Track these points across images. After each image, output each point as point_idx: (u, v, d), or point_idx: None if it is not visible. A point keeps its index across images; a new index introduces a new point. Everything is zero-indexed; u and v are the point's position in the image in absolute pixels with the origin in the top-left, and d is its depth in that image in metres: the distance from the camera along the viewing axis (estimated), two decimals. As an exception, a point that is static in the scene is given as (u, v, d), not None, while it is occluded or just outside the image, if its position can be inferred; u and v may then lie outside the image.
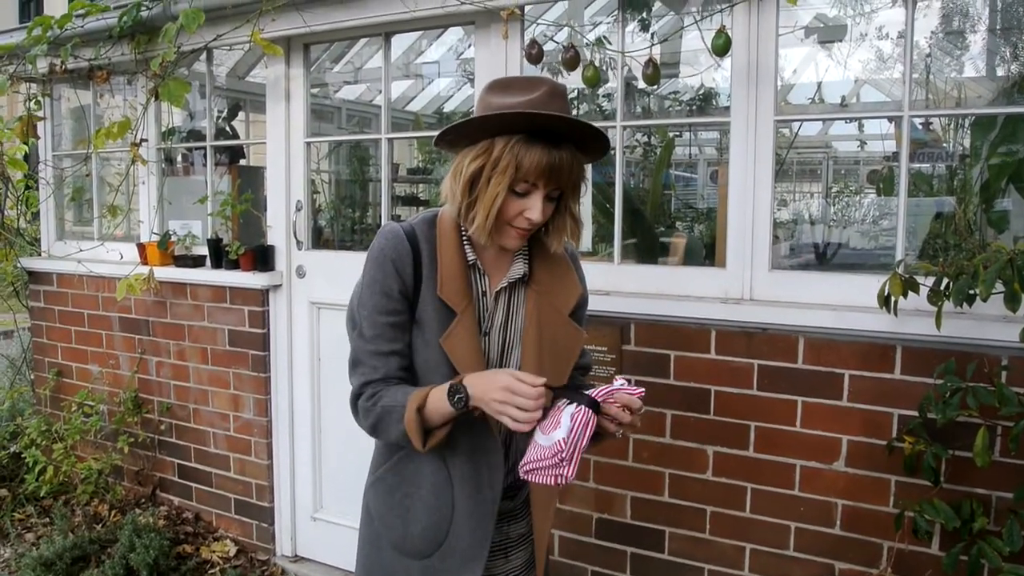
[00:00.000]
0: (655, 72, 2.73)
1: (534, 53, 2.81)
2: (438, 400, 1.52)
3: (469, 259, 1.64)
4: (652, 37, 3.52)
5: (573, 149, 1.52)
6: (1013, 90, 3.82)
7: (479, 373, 1.54)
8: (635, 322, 2.75)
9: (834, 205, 6.12)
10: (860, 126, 5.71)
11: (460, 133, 1.55)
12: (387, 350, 1.62)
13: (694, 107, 4.82)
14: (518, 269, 1.69)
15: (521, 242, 1.62)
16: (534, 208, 1.53)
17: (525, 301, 1.70)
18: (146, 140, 3.84)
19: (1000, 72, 4.29)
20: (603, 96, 4.42)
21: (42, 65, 3.96)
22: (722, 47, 2.52)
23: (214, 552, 3.77)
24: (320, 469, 3.66)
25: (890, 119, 4.22)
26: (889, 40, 4.63)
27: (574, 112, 1.52)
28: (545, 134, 1.50)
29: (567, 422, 1.44)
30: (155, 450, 4.14)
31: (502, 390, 1.45)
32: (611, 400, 1.47)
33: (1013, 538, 2.07)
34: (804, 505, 2.54)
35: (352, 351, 1.68)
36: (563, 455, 1.44)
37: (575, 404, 1.45)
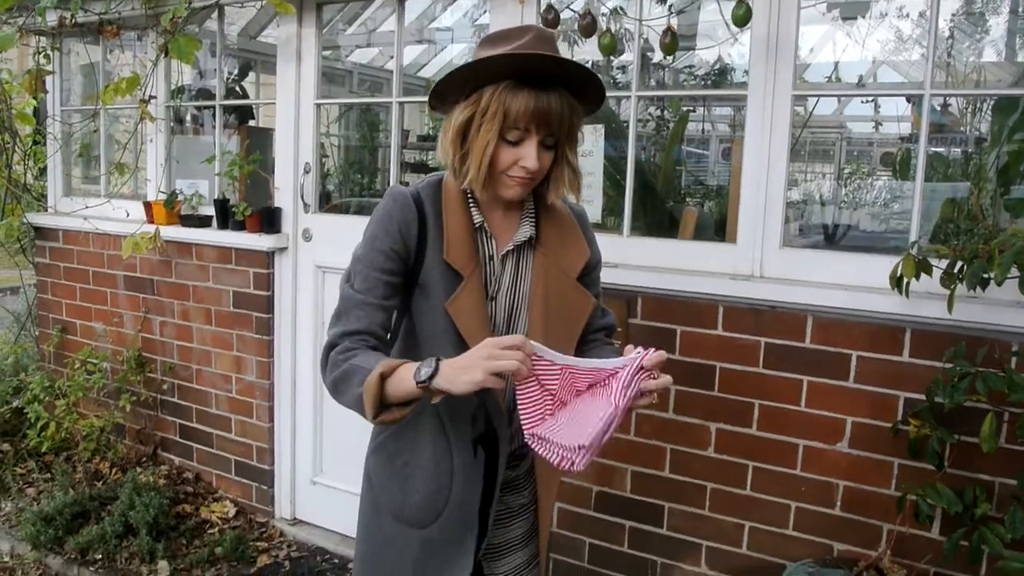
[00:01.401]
0: (673, 41, 2.68)
1: (551, 18, 2.76)
2: (406, 372, 1.42)
3: (476, 221, 1.61)
4: (670, 8, 3.46)
5: (565, 94, 1.48)
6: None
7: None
8: (643, 295, 2.73)
9: (846, 186, 6.07)
10: (876, 107, 5.64)
11: (449, 86, 1.52)
12: (376, 303, 1.57)
13: (709, 82, 4.77)
14: (525, 231, 1.65)
15: (522, 191, 1.56)
16: (529, 156, 1.49)
17: (532, 264, 1.66)
18: (155, 97, 3.80)
19: (1021, 57, 4.22)
20: (617, 68, 4.36)
21: (51, 18, 3.91)
22: (742, 18, 2.48)
23: (213, 513, 3.78)
24: (321, 433, 3.66)
25: (909, 98, 4.17)
26: (909, 20, 4.56)
27: None
28: (534, 79, 1.46)
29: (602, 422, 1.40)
30: (157, 409, 4.15)
31: (486, 347, 1.37)
32: (641, 382, 1.40)
33: (1016, 525, 2.05)
34: (805, 485, 2.53)
35: (339, 302, 1.62)
36: (586, 447, 1.41)
37: (613, 406, 1.39)
